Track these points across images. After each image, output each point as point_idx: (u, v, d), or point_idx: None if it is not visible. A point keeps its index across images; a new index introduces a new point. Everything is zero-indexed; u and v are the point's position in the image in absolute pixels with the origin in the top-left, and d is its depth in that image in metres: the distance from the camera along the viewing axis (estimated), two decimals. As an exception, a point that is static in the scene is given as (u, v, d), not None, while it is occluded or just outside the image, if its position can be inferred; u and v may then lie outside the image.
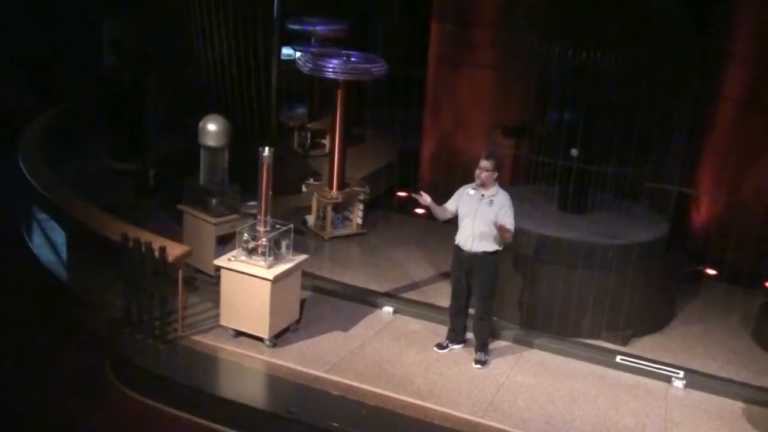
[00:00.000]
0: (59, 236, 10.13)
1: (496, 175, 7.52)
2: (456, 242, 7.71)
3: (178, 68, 12.00)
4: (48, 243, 10.07)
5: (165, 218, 9.87)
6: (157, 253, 7.50)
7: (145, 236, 7.72)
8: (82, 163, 12.03)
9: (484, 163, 7.47)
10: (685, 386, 7.76)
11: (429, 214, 10.83)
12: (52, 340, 8.18)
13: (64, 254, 9.80)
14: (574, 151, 8.56)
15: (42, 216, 10.66)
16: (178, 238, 8.56)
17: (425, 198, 7.62)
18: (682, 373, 7.85)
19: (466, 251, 7.61)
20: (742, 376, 7.97)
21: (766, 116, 9.63)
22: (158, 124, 12.44)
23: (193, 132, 8.87)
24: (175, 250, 7.65)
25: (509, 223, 7.48)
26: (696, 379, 7.82)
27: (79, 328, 8.35)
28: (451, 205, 7.72)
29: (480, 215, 7.49)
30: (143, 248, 7.56)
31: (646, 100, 8.29)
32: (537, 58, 8.61)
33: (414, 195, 7.74)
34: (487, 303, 7.78)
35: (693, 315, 9.15)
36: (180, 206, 9.12)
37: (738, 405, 7.56)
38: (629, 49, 8.14)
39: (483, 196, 7.54)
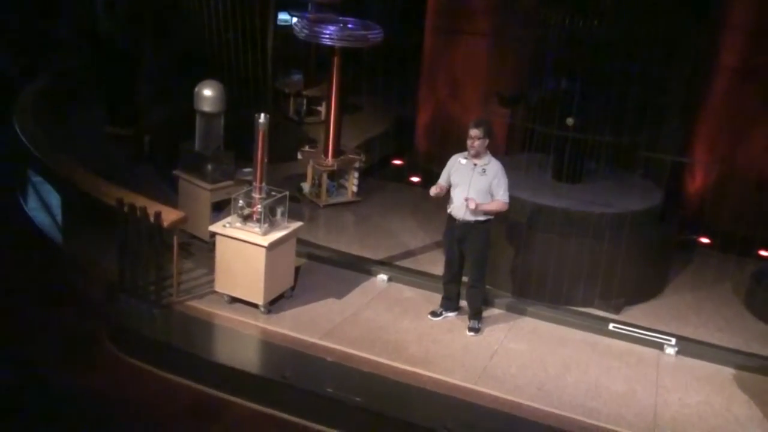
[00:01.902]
0: (55, 200, 10.12)
1: (487, 141, 7.49)
2: (448, 211, 7.71)
3: (174, 33, 11.90)
4: (43, 207, 10.07)
5: (160, 184, 9.86)
6: (152, 219, 7.51)
7: (141, 201, 7.71)
8: (78, 128, 11.97)
9: (475, 132, 7.41)
10: (677, 353, 7.83)
11: (424, 183, 10.90)
12: (47, 305, 8.20)
13: (59, 219, 9.80)
14: (569, 120, 8.55)
15: (37, 180, 10.64)
16: (173, 203, 8.56)
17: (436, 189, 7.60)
18: (674, 341, 7.91)
19: (458, 220, 7.61)
20: (734, 342, 8.04)
21: (761, 85, 9.61)
22: (153, 90, 12.37)
23: (189, 97, 8.83)
24: (170, 216, 7.65)
25: (502, 193, 7.48)
26: (688, 346, 7.88)
27: (74, 293, 8.37)
28: (444, 179, 7.69)
29: (474, 184, 7.48)
30: (138, 213, 7.56)
31: (642, 69, 8.27)
32: (533, 27, 8.58)
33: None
34: (480, 271, 7.81)
35: (686, 283, 9.21)
36: (175, 172, 9.12)
37: (729, 371, 7.64)
38: (626, 17, 8.11)
39: (476, 165, 7.52)
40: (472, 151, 7.48)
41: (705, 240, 9.91)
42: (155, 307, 7.77)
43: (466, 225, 7.60)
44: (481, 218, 7.57)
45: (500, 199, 7.51)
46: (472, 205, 7.41)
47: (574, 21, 8.27)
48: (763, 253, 9.63)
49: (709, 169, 10.18)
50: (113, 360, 7.46)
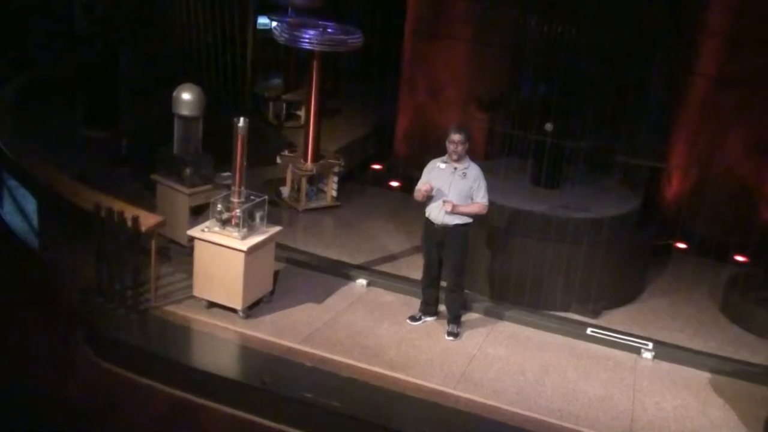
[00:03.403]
0: (30, 205, 10.02)
1: (468, 145, 7.53)
2: (427, 215, 7.73)
3: (153, 35, 11.85)
4: (19, 212, 9.96)
5: (138, 188, 9.79)
6: (130, 223, 7.46)
7: (118, 206, 7.66)
8: (54, 131, 11.86)
9: (458, 137, 7.45)
10: (654, 357, 7.88)
11: (403, 187, 10.91)
12: (23, 311, 8.12)
13: (35, 223, 9.70)
14: (548, 126, 8.61)
15: (13, 184, 10.52)
16: (151, 208, 8.51)
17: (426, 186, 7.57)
18: (651, 345, 7.97)
19: (437, 224, 7.63)
20: (710, 347, 8.11)
21: (737, 91, 9.72)
22: (131, 93, 12.30)
23: (167, 101, 8.79)
24: (148, 220, 7.61)
25: (481, 196, 7.52)
26: (664, 351, 7.94)
27: (51, 298, 8.29)
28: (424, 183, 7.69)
29: (454, 187, 7.51)
30: (116, 218, 7.51)
31: (619, 75, 8.34)
32: (512, 32, 8.62)
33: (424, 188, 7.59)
34: (459, 275, 7.83)
35: (663, 288, 9.28)
36: (153, 176, 9.07)
37: (705, 375, 7.71)
38: (604, 24, 8.18)
39: (456, 168, 7.55)
40: (455, 156, 7.51)
41: (681, 245, 10.01)
42: (133, 311, 7.71)
43: (445, 229, 7.62)
44: (460, 222, 7.58)
45: (480, 201, 7.54)
46: (448, 208, 7.44)
47: (552, 27, 8.33)
48: (738, 258, 9.73)
49: (685, 175, 10.28)
50: (90, 365, 7.39)
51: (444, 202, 7.48)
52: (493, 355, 7.68)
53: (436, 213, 7.62)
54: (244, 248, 7.53)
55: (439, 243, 7.72)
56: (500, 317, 8.33)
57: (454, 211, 7.46)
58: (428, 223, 7.75)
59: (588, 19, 8.21)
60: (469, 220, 7.62)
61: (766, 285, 8.70)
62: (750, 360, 7.93)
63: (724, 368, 7.75)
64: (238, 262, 7.56)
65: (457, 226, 7.59)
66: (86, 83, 11.94)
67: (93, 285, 7.91)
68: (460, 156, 7.50)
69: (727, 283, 9.07)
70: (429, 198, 7.65)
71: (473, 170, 7.55)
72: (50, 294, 8.37)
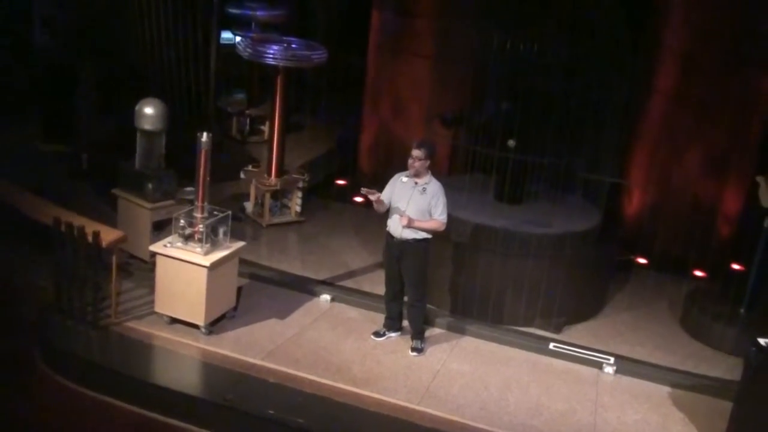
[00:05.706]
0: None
1: (428, 163, 7.56)
2: (387, 228, 7.75)
3: (114, 48, 11.75)
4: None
5: (99, 203, 9.68)
6: (90, 239, 7.37)
7: (78, 221, 7.57)
8: (12, 145, 11.69)
9: (416, 153, 7.50)
10: (615, 372, 7.96)
11: (368, 203, 10.91)
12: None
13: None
14: (511, 142, 8.69)
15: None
16: (112, 223, 8.42)
17: (374, 195, 7.62)
18: (612, 359, 8.05)
19: (396, 238, 7.65)
20: (670, 361, 8.21)
21: (694, 108, 9.90)
22: (92, 106, 12.17)
23: (129, 115, 8.72)
24: (109, 236, 7.53)
25: (439, 212, 7.55)
26: (625, 365, 8.02)
27: (8, 314, 8.14)
28: (386, 196, 7.73)
29: (413, 202, 7.54)
30: (76, 233, 7.42)
31: (581, 92, 8.46)
32: (475, 49, 8.71)
33: (364, 191, 7.68)
34: (419, 289, 7.84)
35: (624, 303, 9.39)
36: (115, 191, 8.98)
37: (665, 389, 7.80)
38: (566, 42, 8.29)
39: (416, 183, 7.58)
40: (411, 171, 7.56)
41: (642, 260, 10.13)
42: (93, 328, 7.61)
43: (404, 243, 7.64)
44: (419, 237, 7.61)
45: (437, 218, 7.58)
46: (404, 222, 7.47)
47: (514, 44, 8.43)
48: (697, 273, 9.88)
49: (645, 191, 10.43)
50: (48, 383, 7.27)
51: (400, 216, 7.52)
52: (456, 371, 7.70)
53: (395, 227, 7.65)
54: (207, 264, 7.47)
55: (398, 257, 7.74)
56: (464, 332, 8.36)
57: (410, 226, 7.51)
58: (388, 236, 7.77)
59: (550, 38, 8.32)
60: (426, 235, 7.63)
61: (724, 300, 8.84)
62: (709, 374, 8.04)
63: (684, 382, 7.86)
64: (201, 277, 7.50)
65: (415, 240, 7.61)
66: (46, 96, 11.78)
67: (52, 301, 7.79)
68: (417, 171, 7.54)
69: (686, 298, 9.20)
70: (389, 211, 7.67)
71: (433, 186, 7.59)
72: (7, 310, 8.22)
